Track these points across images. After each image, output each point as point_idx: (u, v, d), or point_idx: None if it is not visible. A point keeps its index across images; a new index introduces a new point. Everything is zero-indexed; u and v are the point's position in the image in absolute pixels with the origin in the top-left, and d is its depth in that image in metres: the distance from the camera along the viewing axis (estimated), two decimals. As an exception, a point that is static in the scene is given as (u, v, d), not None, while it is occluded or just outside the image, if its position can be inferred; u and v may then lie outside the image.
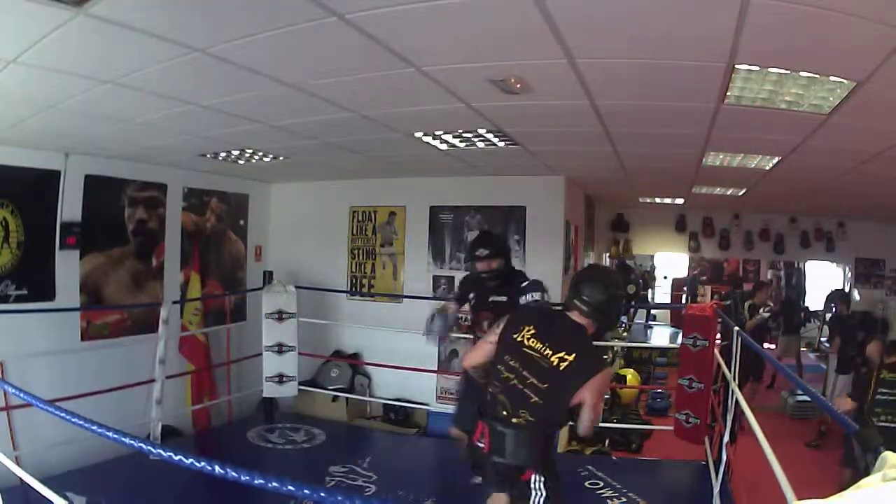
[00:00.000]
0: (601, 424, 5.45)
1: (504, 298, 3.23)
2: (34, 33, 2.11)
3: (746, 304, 6.48)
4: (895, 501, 0.74)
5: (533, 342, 2.22)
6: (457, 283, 3.30)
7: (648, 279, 10.84)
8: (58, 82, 2.68)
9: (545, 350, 2.18)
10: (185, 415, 5.20)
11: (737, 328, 3.46)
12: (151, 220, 5.22)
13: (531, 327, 2.26)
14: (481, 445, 2.27)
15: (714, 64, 2.29)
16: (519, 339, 2.25)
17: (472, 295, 3.43)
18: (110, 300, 4.87)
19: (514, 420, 2.18)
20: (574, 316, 2.25)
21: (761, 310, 6.47)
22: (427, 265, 5.84)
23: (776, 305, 7.45)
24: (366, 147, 4.35)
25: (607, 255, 9.16)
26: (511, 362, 2.24)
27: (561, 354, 2.15)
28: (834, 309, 6.63)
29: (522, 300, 3.07)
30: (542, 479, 2.22)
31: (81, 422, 1.46)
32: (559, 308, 2.46)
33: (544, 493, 2.20)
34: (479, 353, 2.43)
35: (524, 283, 3.18)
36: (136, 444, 1.36)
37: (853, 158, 3.90)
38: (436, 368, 5.65)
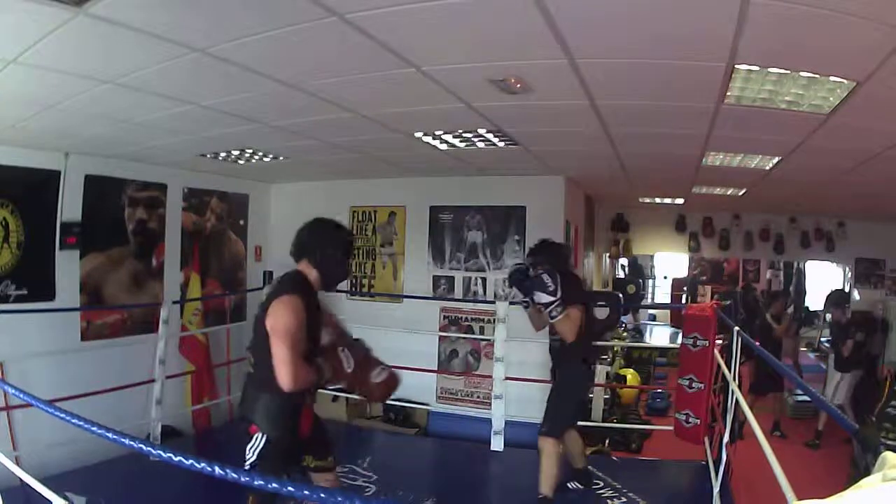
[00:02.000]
0: (601, 424, 5.51)
1: (548, 300, 3.20)
2: (34, 33, 2.12)
3: (769, 314, 6.51)
4: (895, 501, 0.74)
5: None
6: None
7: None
8: (58, 82, 2.68)
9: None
10: (185, 415, 5.20)
11: (737, 328, 3.45)
12: (151, 220, 5.22)
13: None
14: None
15: (714, 64, 2.29)
16: None
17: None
18: (110, 300, 4.87)
19: (248, 368, 2.29)
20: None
21: (782, 317, 6.53)
22: (427, 265, 5.84)
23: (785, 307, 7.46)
24: (366, 147, 4.35)
25: (607, 255, 9.17)
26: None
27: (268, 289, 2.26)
28: (830, 316, 6.66)
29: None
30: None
31: (81, 422, 1.46)
32: None
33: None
34: None
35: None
36: (135, 445, 1.35)
37: (853, 158, 3.90)
38: (436, 368, 5.65)
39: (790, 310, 6.77)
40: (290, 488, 1.14)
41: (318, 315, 2.33)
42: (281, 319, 2.10)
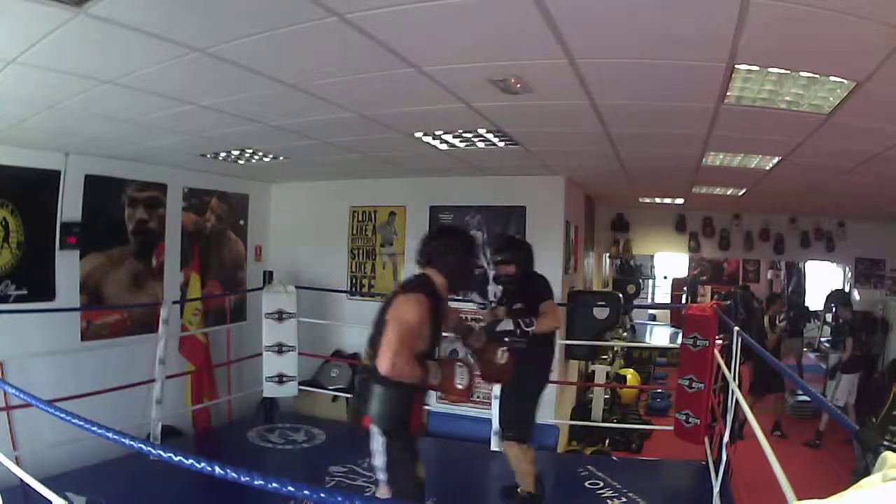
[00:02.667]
0: (601, 424, 5.51)
1: (521, 305, 3.19)
2: (34, 33, 2.11)
3: (766, 319, 6.51)
4: (895, 501, 0.74)
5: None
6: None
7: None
8: (58, 82, 2.67)
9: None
10: (185, 415, 5.20)
11: (737, 328, 3.45)
12: (151, 220, 5.22)
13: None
14: None
15: (714, 64, 2.29)
16: None
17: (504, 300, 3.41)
18: (110, 300, 4.87)
19: (364, 361, 2.40)
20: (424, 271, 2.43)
21: (777, 321, 6.53)
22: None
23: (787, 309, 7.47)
24: (366, 147, 4.34)
25: (607, 255, 9.16)
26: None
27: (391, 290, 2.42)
28: (834, 310, 6.66)
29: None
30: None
31: (81, 422, 1.46)
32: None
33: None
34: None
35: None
36: (136, 445, 1.36)
37: (853, 158, 3.90)
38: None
39: (782, 319, 6.75)
40: (290, 488, 1.14)
41: (440, 321, 2.42)
42: (403, 311, 2.23)
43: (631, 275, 10.87)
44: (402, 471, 2.34)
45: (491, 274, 3.24)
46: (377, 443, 2.33)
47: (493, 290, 3.17)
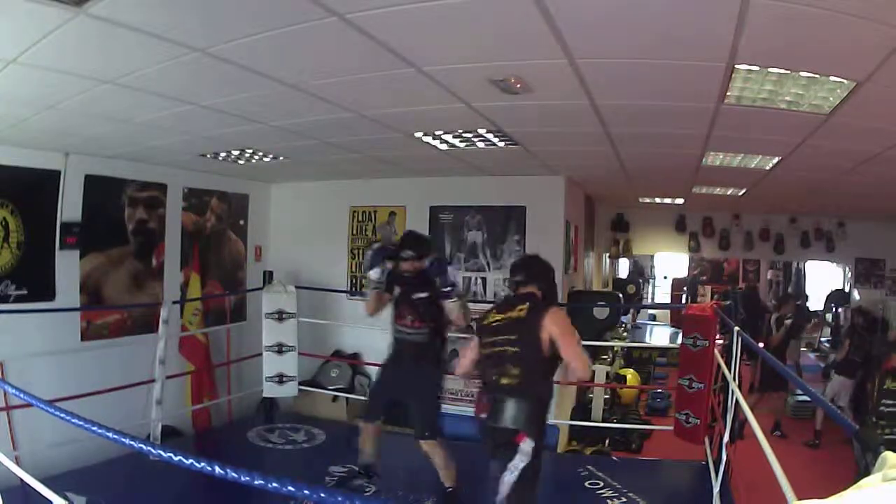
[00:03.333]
0: (601, 424, 5.51)
1: (425, 295, 3.30)
2: (34, 33, 2.11)
3: (773, 317, 6.50)
4: (895, 501, 0.74)
5: (496, 315, 2.61)
6: (372, 258, 3.37)
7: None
8: (58, 82, 2.68)
9: (507, 314, 2.56)
10: (185, 415, 5.20)
11: (737, 328, 3.45)
12: (151, 220, 5.22)
13: (493, 311, 2.66)
14: (483, 418, 2.50)
15: (714, 64, 2.29)
16: (486, 322, 2.63)
17: (396, 289, 3.40)
18: (110, 300, 4.87)
19: (503, 382, 2.44)
20: (523, 290, 2.67)
21: (785, 320, 6.52)
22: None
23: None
24: (366, 147, 4.35)
25: (607, 255, 9.17)
26: (487, 339, 2.57)
27: (519, 307, 2.55)
28: (833, 309, 6.64)
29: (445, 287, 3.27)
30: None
31: (81, 422, 1.46)
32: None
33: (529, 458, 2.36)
34: (466, 359, 2.72)
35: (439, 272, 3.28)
36: (136, 445, 1.35)
37: (853, 158, 3.90)
38: (436, 368, 5.64)
39: (790, 316, 6.73)
40: (290, 488, 1.14)
41: None
42: (567, 324, 2.51)
43: (641, 275, 10.92)
44: (531, 489, 2.44)
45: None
46: (520, 459, 2.36)
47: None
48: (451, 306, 3.29)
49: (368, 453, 3.57)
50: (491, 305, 2.84)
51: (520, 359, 2.44)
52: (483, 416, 2.49)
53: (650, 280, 11.38)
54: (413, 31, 2.11)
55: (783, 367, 2.83)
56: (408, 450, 4.76)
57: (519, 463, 2.34)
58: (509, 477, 2.34)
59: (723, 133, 3.41)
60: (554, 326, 2.44)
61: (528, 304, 2.56)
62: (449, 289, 3.27)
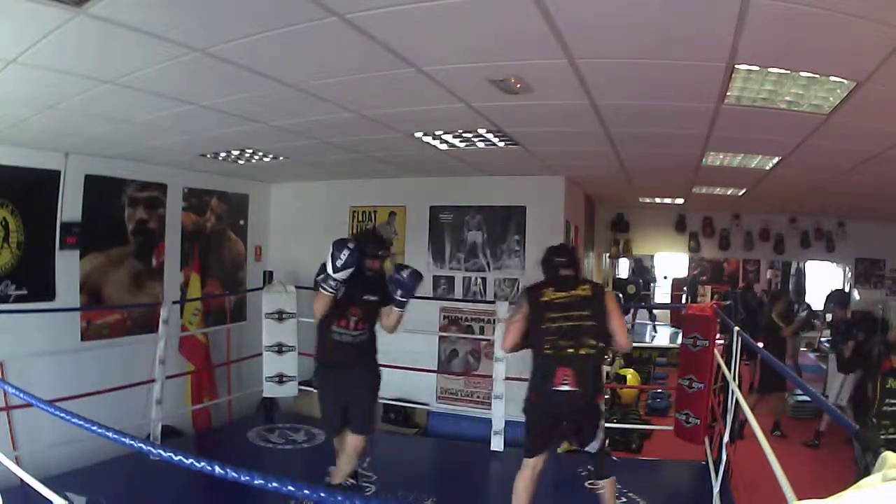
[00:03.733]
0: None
1: (376, 298, 3.25)
2: (34, 33, 2.11)
3: (775, 314, 6.50)
4: (895, 501, 0.74)
5: (557, 293, 2.80)
6: (347, 258, 2.96)
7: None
8: (58, 82, 2.68)
9: (570, 292, 2.81)
10: (185, 415, 5.20)
11: (737, 328, 3.45)
12: (151, 220, 5.22)
13: (549, 288, 2.83)
14: (566, 389, 2.72)
15: (714, 64, 2.29)
16: (546, 299, 2.80)
17: (342, 288, 3.10)
18: (110, 300, 4.87)
19: (582, 352, 2.73)
20: (564, 272, 2.92)
21: (793, 312, 6.51)
22: (427, 265, 5.83)
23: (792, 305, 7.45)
24: (366, 147, 4.35)
25: (607, 255, 9.16)
26: (555, 314, 2.77)
27: (582, 287, 2.85)
28: (832, 315, 6.64)
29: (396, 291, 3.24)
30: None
31: (81, 422, 1.46)
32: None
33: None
34: (515, 333, 2.88)
35: (399, 275, 3.21)
36: (136, 445, 1.35)
37: (853, 158, 3.90)
38: (436, 368, 5.65)
39: (800, 311, 6.74)
40: (290, 488, 1.14)
41: None
42: (617, 304, 2.91)
43: (646, 275, 10.92)
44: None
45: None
46: (602, 414, 2.93)
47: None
48: (396, 312, 3.25)
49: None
50: (538, 284, 2.91)
51: (597, 332, 2.76)
52: (566, 383, 2.70)
53: (652, 283, 11.38)
54: (413, 31, 2.11)
55: (783, 367, 2.82)
56: (407, 449, 4.77)
57: (602, 417, 2.91)
58: (602, 425, 2.87)
59: (723, 133, 3.41)
60: (611, 303, 2.84)
61: (588, 284, 2.91)
62: (405, 299, 3.23)
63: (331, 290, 3.01)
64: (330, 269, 2.95)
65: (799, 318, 6.57)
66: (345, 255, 2.93)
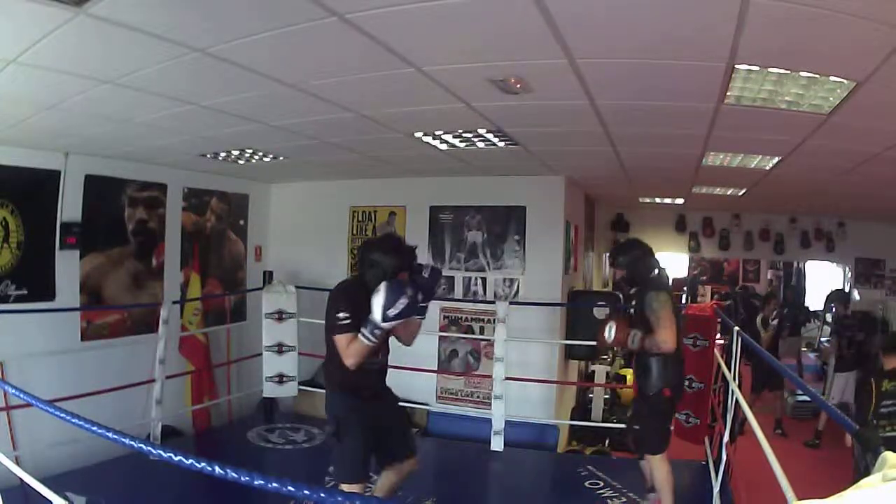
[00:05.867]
0: (601, 424, 5.52)
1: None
2: (34, 33, 2.11)
3: (759, 318, 6.50)
4: (895, 501, 0.74)
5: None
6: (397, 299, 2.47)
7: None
8: (58, 82, 2.67)
9: None
10: (185, 415, 5.20)
11: (737, 328, 3.45)
12: (151, 220, 5.22)
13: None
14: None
15: (714, 64, 2.29)
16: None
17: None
18: (110, 300, 4.87)
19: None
20: None
21: (770, 320, 6.52)
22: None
23: (780, 308, 7.45)
24: (366, 147, 4.35)
25: (607, 255, 9.15)
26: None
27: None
28: (833, 309, 6.66)
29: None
30: None
31: (81, 422, 1.46)
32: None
33: None
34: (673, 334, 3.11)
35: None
36: (136, 444, 1.36)
37: (853, 158, 3.90)
38: (436, 368, 5.65)
39: (775, 316, 6.74)
40: (290, 488, 1.14)
41: None
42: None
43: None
44: None
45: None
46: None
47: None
48: (416, 321, 2.79)
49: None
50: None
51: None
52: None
53: None
54: (413, 31, 2.11)
55: (781, 366, 2.82)
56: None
57: None
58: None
59: (723, 133, 3.41)
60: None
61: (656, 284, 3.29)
62: (426, 304, 2.77)
63: (375, 340, 2.53)
64: (378, 318, 2.46)
65: (771, 325, 6.57)
66: (402, 303, 2.45)
